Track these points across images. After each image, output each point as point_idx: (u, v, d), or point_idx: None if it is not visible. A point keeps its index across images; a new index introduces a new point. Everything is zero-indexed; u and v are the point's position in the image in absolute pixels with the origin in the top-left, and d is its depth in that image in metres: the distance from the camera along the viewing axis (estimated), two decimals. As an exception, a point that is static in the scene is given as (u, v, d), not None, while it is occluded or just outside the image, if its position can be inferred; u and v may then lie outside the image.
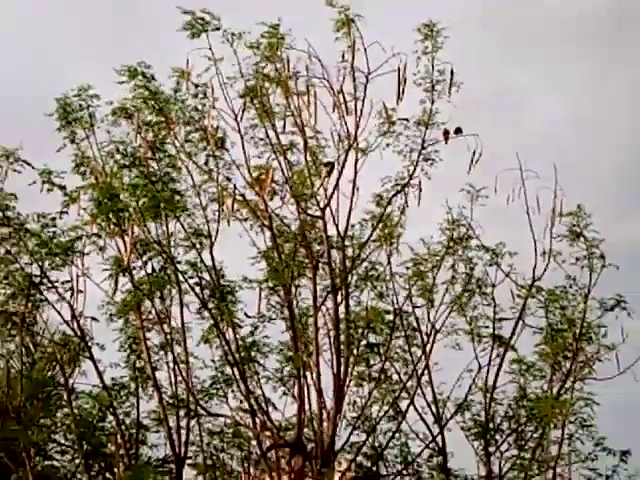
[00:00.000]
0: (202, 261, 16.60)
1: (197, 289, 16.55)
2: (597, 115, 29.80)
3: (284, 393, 16.96)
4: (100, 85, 16.78)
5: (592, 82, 31.42)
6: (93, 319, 16.12)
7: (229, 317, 16.54)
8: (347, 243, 17.01)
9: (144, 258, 16.37)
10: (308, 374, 16.66)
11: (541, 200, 16.89)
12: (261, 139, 16.94)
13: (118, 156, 16.55)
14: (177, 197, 16.32)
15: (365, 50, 16.70)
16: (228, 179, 16.84)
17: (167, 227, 16.37)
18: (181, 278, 16.40)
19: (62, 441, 16.81)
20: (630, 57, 32.04)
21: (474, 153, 16.71)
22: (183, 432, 16.39)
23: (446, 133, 16.97)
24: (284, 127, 16.95)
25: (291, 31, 16.82)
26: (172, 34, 16.89)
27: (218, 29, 16.53)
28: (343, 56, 16.84)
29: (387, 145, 17.01)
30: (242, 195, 16.83)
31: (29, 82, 26.84)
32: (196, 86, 16.78)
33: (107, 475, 16.65)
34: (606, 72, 31.83)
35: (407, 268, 17.40)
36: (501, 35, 26.80)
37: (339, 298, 16.81)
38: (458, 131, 16.90)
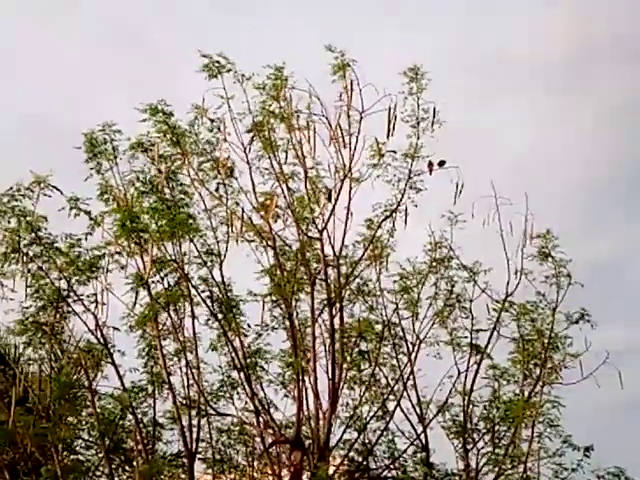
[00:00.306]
0: (212, 277, 17.24)
1: (207, 302, 17.12)
2: (565, 145, 30.19)
3: (285, 395, 17.64)
4: (123, 117, 17.43)
5: (560, 114, 32.02)
6: (115, 329, 16.65)
7: (236, 327, 17.16)
8: (341, 262, 17.61)
9: (161, 274, 16.85)
10: (306, 378, 17.26)
11: (513, 224, 17.50)
12: (266, 169, 17.58)
13: (138, 184, 17.08)
14: (191, 220, 16.88)
15: (360, 91, 17.31)
16: (236, 204, 17.50)
17: (181, 247, 16.93)
18: (193, 292, 16.96)
19: (86, 437, 17.14)
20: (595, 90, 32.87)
21: (457, 185, 17.37)
22: (194, 430, 16.86)
23: (430, 165, 17.62)
24: (286, 158, 17.51)
25: (294, 73, 17.25)
26: (188, 71, 17.70)
27: (230, 71, 17.21)
28: (340, 96, 17.43)
29: (378, 176, 17.64)
30: (249, 218, 17.47)
31: (50, 114, 27.02)
32: (212, 121, 17.41)
33: (126, 468, 17.17)
34: (573, 105, 32.45)
35: (394, 282, 17.99)
36: (471, 73, 27.26)
37: (334, 311, 17.43)
38: (441, 163, 17.56)
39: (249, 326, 17.61)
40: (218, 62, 17.28)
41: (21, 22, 30.98)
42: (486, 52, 28.62)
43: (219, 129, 17.58)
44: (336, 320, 17.51)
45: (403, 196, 17.79)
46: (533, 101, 30.51)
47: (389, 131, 17.65)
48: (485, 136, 22.18)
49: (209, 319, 17.29)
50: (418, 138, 17.76)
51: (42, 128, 26.49)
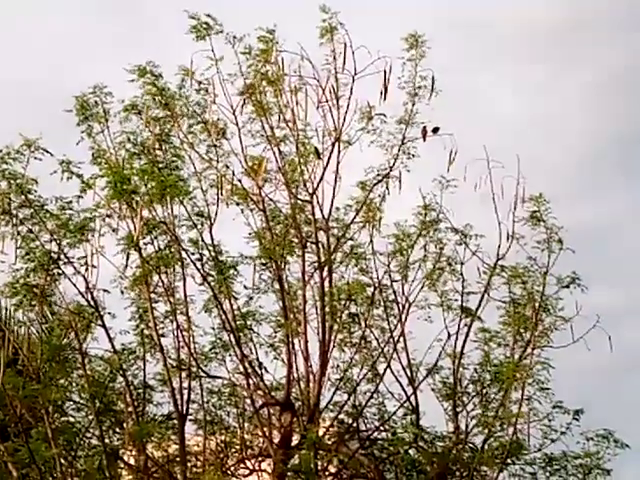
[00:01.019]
0: (203, 240, 17.02)
1: (198, 264, 16.96)
2: (550, 112, 29.97)
3: (275, 357, 17.50)
4: (112, 82, 17.15)
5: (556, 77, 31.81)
6: (105, 291, 16.45)
7: (226, 290, 16.99)
8: (333, 225, 17.49)
9: (151, 236, 16.72)
10: (296, 340, 17.19)
11: (505, 187, 17.40)
12: (257, 131, 17.42)
13: (129, 145, 16.94)
14: (181, 182, 16.73)
15: (353, 53, 17.11)
16: (226, 167, 17.34)
17: (172, 209, 16.78)
18: (184, 255, 16.83)
19: (77, 399, 16.99)
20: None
21: (451, 152, 17.20)
22: (185, 392, 16.72)
23: (424, 131, 17.46)
24: (279, 121, 17.34)
25: (287, 34, 17.15)
26: (176, 34, 17.46)
27: (221, 32, 17.05)
28: (329, 59, 17.30)
29: (371, 142, 17.54)
30: (239, 181, 17.36)
31: (45, 80, 26.77)
32: (199, 83, 17.26)
33: (117, 430, 17.03)
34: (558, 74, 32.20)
35: (389, 244, 17.84)
36: (468, 41, 26.99)
37: (324, 273, 17.27)
38: (435, 130, 17.36)
39: (245, 287, 17.50)
40: (206, 23, 17.10)
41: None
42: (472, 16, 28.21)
43: (207, 91, 17.43)
44: (326, 283, 17.33)
45: (396, 161, 17.64)
46: (520, 69, 30.14)
47: (382, 94, 17.45)
48: (477, 101, 21.79)
49: (202, 282, 17.11)
50: (413, 105, 17.63)
51: (27, 95, 26.23)
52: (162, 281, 16.84)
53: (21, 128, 16.10)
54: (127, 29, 28.66)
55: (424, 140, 17.62)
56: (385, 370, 17.75)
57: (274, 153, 17.49)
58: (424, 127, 17.58)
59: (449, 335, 17.88)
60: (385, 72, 17.35)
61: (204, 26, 17.08)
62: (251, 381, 17.26)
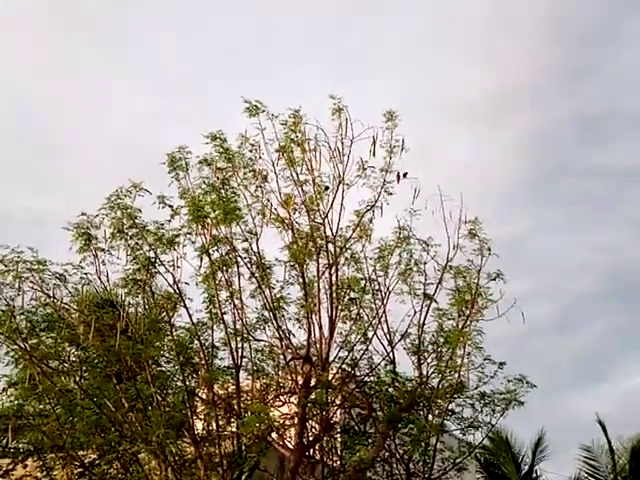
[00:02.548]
0: (251, 249, 17.21)
1: (248, 265, 17.17)
2: (482, 161, 30.18)
3: (299, 327, 17.61)
4: (191, 144, 17.28)
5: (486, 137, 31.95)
6: (186, 283, 16.63)
7: (267, 282, 17.18)
8: (337, 239, 17.50)
9: (217, 247, 16.81)
10: (313, 316, 17.25)
11: (453, 213, 17.68)
12: (288, 177, 17.50)
13: (203, 186, 17.01)
14: (237, 211, 16.79)
15: (351, 124, 17.29)
16: (268, 200, 17.45)
17: (231, 228, 16.88)
18: (239, 259, 16.99)
19: (167, 355, 17.13)
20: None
21: (415, 190, 17.40)
22: (239, 350, 16.96)
23: (398, 176, 17.52)
24: (301, 171, 17.44)
25: (307, 113, 17.31)
26: (232, 110, 17.74)
27: (263, 111, 17.16)
28: (336, 129, 17.40)
29: (363, 184, 17.60)
30: (276, 210, 17.49)
31: (144, 144, 26.82)
32: (251, 145, 17.40)
33: (194, 376, 17.17)
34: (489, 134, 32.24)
35: (376, 251, 17.99)
36: (429, 112, 27.06)
37: (332, 271, 17.34)
38: (405, 175, 17.45)
39: (278, 281, 17.50)
40: (255, 106, 17.14)
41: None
42: (430, 94, 28.26)
43: (255, 150, 17.46)
44: (333, 278, 17.38)
45: (379, 196, 17.65)
46: (463, 130, 30.21)
47: (372, 152, 17.50)
48: (434, 154, 21.90)
49: (250, 277, 17.20)
50: (390, 158, 17.61)
51: (133, 153, 26.25)
52: (224, 277, 16.90)
53: (130, 175, 16.28)
54: (200, 108, 28.40)
55: (398, 182, 17.58)
56: (373, 336, 17.85)
57: (299, 192, 17.52)
58: (397, 173, 17.56)
59: (415, 312, 18.01)
60: (373, 138, 17.39)
61: (254, 107, 17.11)
62: (283, 343, 17.38)
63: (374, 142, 17.36)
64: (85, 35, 28.75)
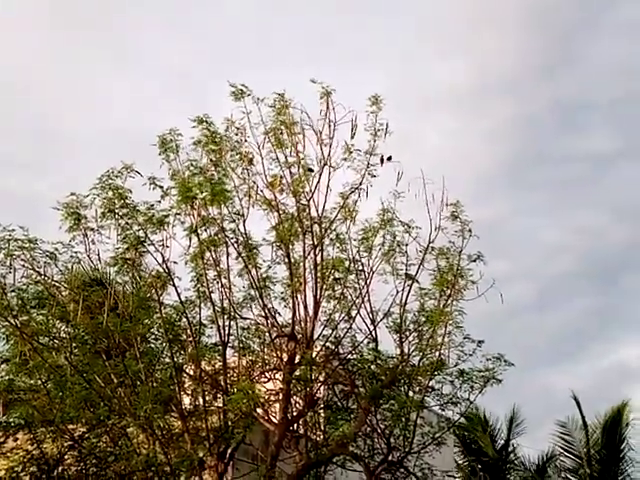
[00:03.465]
0: (238, 229, 16.80)
1: (235, 245, 16.77)
2: (462, 146, 29.80)
3: (284, 306, 17.25)
4: (181, 127, 16.82)
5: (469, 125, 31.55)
6: (174, 262, 16.22)
7: (253, 262, 16.82)
8: (324, 220, 17.13)
9: (205, 227, 16.49)
10: (298, 295, 16.95)
11: (435, 196, 17.20)
12: (274, 159, 17.12)
13: (192, 168, 16.62)
14: (225, 192, 16.41)
15: (334, 109, 16.94)
16: (254, 182, 17.05)
17: (220, 209, 16.52)
18: (226, 239, 16.60)
19: (155, 332, 16.83)
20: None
21: (399, 173, 17.05)
22: (226, 328, 16.61)
23: (382, 159, 17.13)
24: (290, 153, 17.07)
25: (294, 97, 16.94)
26: (221, 95, 17.10)
27: (249, 95, 16.78)
28: (321, 112, 17.03)
29: (348, 166, 17.19)
30: (262, 191, 17.11)
31: (137, 127, 26.39)
32: (237, 128, 17.02)
33: (181, 352, 16.80)
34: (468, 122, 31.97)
35: (360, 233, 17.55)
36: (409, 102, 26.80)
37: (317, 251, 17.00)
38: (389, 159, 17.07)
39: (264, 261, 17.16)
40: (241, 90, 16.78)
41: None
42: (415, 85, 27.94)
43: (242, 133, 17.12)
44: (318, 258, 17.06)
45: (364, 179, 17.28)
46: (443, 118, 29.86)
47: (352, 135, 17.19)
48: (417, 141, 21.56)
49: (237, 257, 16.85)
50: (375, 142, 17.25)
51: (125, 136, 25.85)
52: (212, 256, 16.55)
53: (121, 157, 15.90)
54: (187, 93, 27.99)
55: (381, 165, 17.24)
56: (356, 314, 17.46)
57: (285, 174, 17.17)
58: (381, 156, 17.20)
59: (397, 292, 17.58)
60: (352, 122, 17.11)
61: (240, 91, 16.78)
62: (269, 321, 17.08)
63: (354, 125, 17.07)
64: (85, 34, 28.54)
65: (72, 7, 27.71)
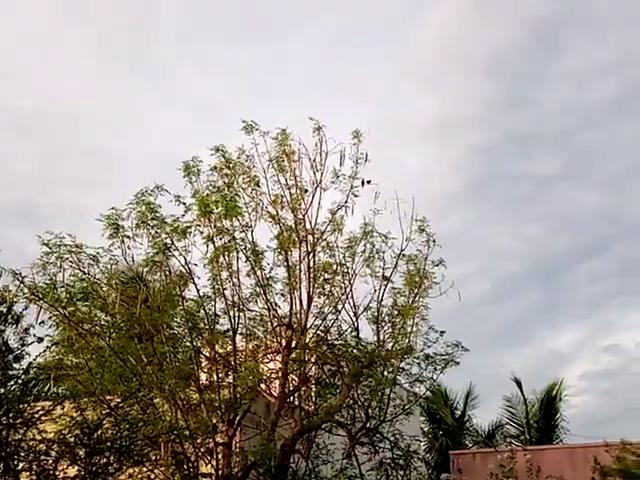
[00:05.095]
0: (247, 238, 17.02)
1: (244, 251, 16.95)
2: (430, 170, 30.10)
3: (284, 301, 17.47)
4: (201, 155, 17.13)
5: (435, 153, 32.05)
6: (195, 264, 16.47)
7: (259, 264, 17.05)
8: (315, 231, 17.37)
9: (220, 236, 16.66)
10: (295, 292, 17.20)
11: (407, 213, 17.52)
12: (276, 182, 17.41)
13: (210, 187, 16.90)
14: (237, 208, 16.66)
15: (325, 141, 17.28)
16: (260, 200, 17.27)
17: (232, 222, 16.73)
18: (237, 246, 16.79)
19: (178, 321, 16.94)
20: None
21: (376, 193, 17.46)
22: (236, 318, 16.81)
23: (362, 182, 17.45)
24: (289, 177, 17.33)
25: (293, 132, 17.30)
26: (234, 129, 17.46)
27: (257, 129, 17.10)
28: (316, 144, 17.33)
29: (335, 188, 17.53)
30: (266, 207, 17.36)
31: (166, 152, 26.49)
32: (247, 156, 17.27)
33: (199, 337, 16.92)
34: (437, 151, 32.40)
35: (346, 242, 17.72)
36: (389, 131, 26.95)
37: (311, 257, 17.27)
38: (369, 182, 17.39)
39: (268, 264, 17.34)
40: (250, 125, 17.05)
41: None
42: (390, 117, 28.25)
43: (251, 160, 17.36)
44: (312, 263, 17.31)
45: (348, 198, 17.58)
46: (419, 146, 30.21)
47: (340, 163, 17.50)
48: (393, 165, 21.87)
49: (246, 260, 17.04)
50: (357, 167, 17.57)
51: (157, 161, 26.06)
52: (225, 260, 16.72)
53: (154, 178, 16.23)
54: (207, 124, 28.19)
55: (362, 187, 17.49)
56: (341, 308, 17.69)
57: (285, 194, 17.39)
58: (362, 180, 17.45)
59: (375, 290, 17.80)
60: (340, 153, 17.37)
61: (250, 126, 17.04)
62: (271, 313, 17.25)
63: (342, 155, 17.32)
64: (129, 67, 28.37)
65: (117, 41, 27.53)
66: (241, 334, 17.22)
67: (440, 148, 31.84)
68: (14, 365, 13.96)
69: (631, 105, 31.90)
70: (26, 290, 14.96)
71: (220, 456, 16.07)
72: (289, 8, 26.16)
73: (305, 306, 17.13)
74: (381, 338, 17.71)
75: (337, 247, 17.71)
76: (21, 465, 13.65)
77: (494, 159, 33.75)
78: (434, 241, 17.72)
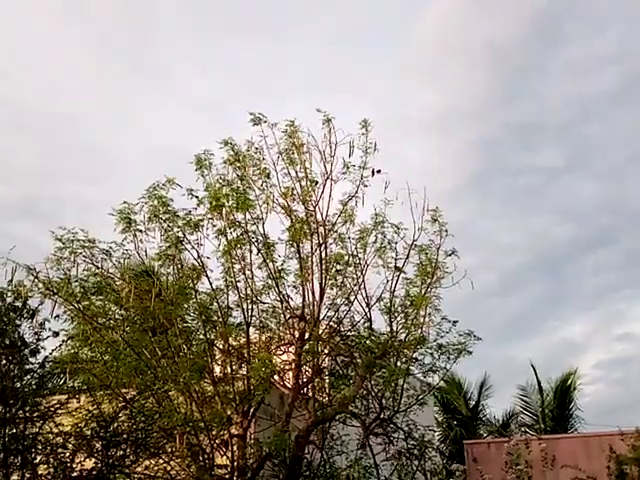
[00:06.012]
0: (259, 231, 16.97)
1: (256, 244, 16.90)
2: (436, 163, 29.96)
3: (296, 292, 17.42)
4: (212, 148, 17.05)
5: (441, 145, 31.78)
6: (207, 257, 16.44)
7: (271, 257, 16.97)
8: (327, 222, 17.27)
9: (232, 229, 16.61)
10: (307, 284, 17.12)
11: (418, 203, 17.40)
12: (286, 174, 17.27)
13: (221, 181, 16.82)
14: (248, 201, 16.60)
15: (335, 132, 17.18)
16: (271, 192, 17.16)
17: (244, 215, 16.67)
18: (249, 239, 16.77)
19: (192, 314, 17.00)
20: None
21: (386, 183, 17.29)
22: (249, 310, 16.74)
23: (372, 172, 17.29)
24: (299, 169, 17.20)
25: (302, 123, 17.14)
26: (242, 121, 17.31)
27: (265, 121, 16.96)
28: (325, 135, 17.21)
29: (345, 178, 17.38)
30: (277, 199, 17.25)
31: (176, 145, 26.39)
32: (256, 149, 17.15)
33: (213, 330, 16.91)
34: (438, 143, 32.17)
35: (357, 233, 17.64)
36: (397, 125, 26.81)
37: (322, 248, 17.18)
38: (379, 171, 17.24)
39: (279, 256, 17.27)
40: (258, 117, 16.93)
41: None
42: (389, 112, 28.08)
43: (260, 153, 17.24)
44: (323, 254, 17.21)
45: (359, 188, 17.44)
46: (424, 140, 30.01)
47: (350, 154, 17.34)
48: (399, 159, 21.73)
49: (258, 253, 16.98)
50: (366, 157, 17.43)
51: (169, 154, 25.69)
52: (237, 253, 16.69)
53: (166, 172, 16.19)
54: (217, 118, 28.09)
55: (372, 176, 17.36)
56: (354, 300, 17.60)
57: (296, 186, 17.28)
58: (372, 169, 17.33)
59: (387, 281, 17.71)
60: (350, 143, 17.25)
61: (257, 118, 16.91)
62: (283, 305, 17.20)
63: (351, 146, 17.18)
64: (132, 65, 28.16)
65: (117, 41, 27.38)
66: (254, 326, 17.16)
67: (441, 141, 31.71)
68: (30, 359, 14.00)
69: (631, 95, 31.56)
70: (41, 285, 15.05)
71: (235, 448, 16.07)
72: (289, 8, 26.00)
73: (317, 298, 17.04)
74: (394, 329, 17.63)
75: (349, 238, 17.64)
76: (38, 458, 13.70)
77: (497, 151, 33.68)
78: (447, 231, 17.60)
